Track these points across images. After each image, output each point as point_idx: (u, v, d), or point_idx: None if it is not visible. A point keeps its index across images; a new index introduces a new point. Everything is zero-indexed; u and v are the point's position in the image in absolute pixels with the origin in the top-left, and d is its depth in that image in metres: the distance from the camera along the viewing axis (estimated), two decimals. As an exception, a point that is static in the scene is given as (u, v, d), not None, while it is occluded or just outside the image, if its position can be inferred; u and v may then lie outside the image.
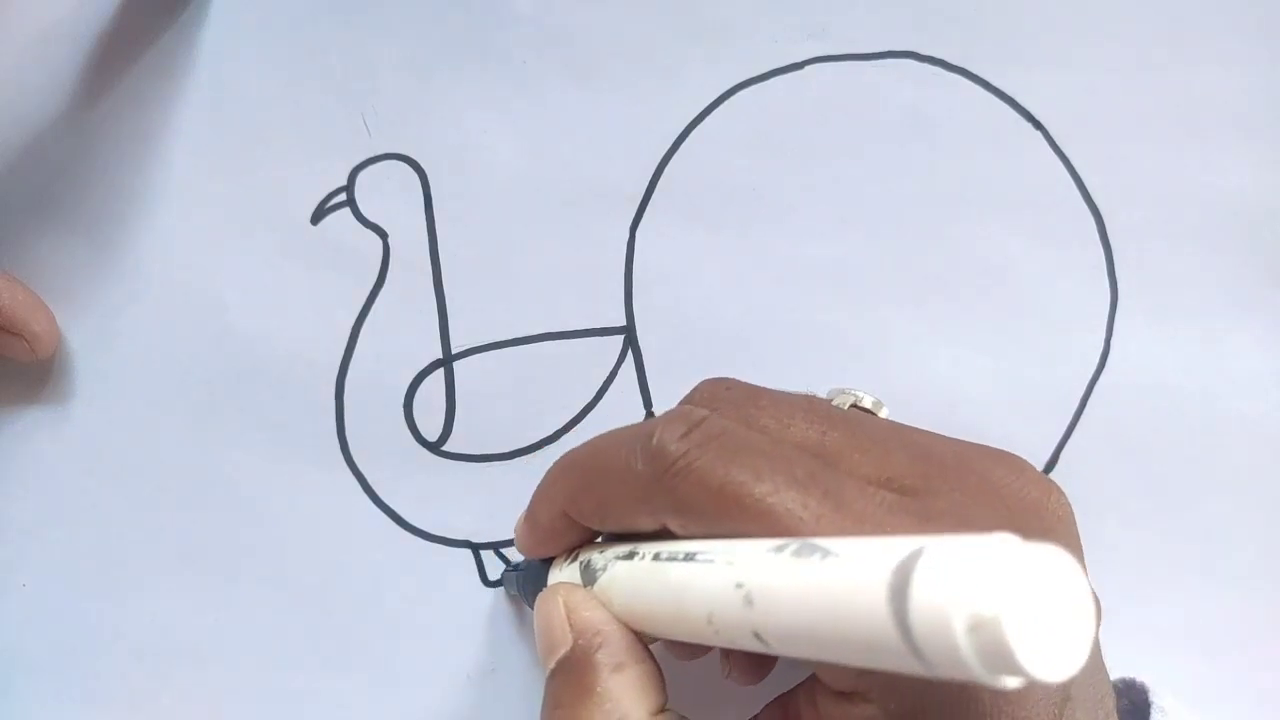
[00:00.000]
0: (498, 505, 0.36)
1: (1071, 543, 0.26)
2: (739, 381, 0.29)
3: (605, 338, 0.36)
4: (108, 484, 0.36)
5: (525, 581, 0.33)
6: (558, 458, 0.30)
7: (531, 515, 0.31)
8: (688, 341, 0.36)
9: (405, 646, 0.36)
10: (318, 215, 0.36)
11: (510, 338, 0.36)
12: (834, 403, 0.29)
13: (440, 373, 0.36)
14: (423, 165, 0.36)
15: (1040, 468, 0.35)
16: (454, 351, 0.36)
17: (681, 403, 0.29)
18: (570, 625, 0.27)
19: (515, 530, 0.32)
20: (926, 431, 0.28)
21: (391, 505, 0.36)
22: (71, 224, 0.36)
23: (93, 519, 0.36)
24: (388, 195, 0.36)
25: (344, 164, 0.36)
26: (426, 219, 0.36)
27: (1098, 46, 0.35)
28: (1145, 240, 0.35)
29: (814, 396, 0.29)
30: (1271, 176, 0.35)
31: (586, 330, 0.36)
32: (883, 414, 0.29)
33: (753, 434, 0.26)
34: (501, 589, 0.36)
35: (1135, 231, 0.35)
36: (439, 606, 0.36)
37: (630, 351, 0.36)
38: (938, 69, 0.35)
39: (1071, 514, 0.27)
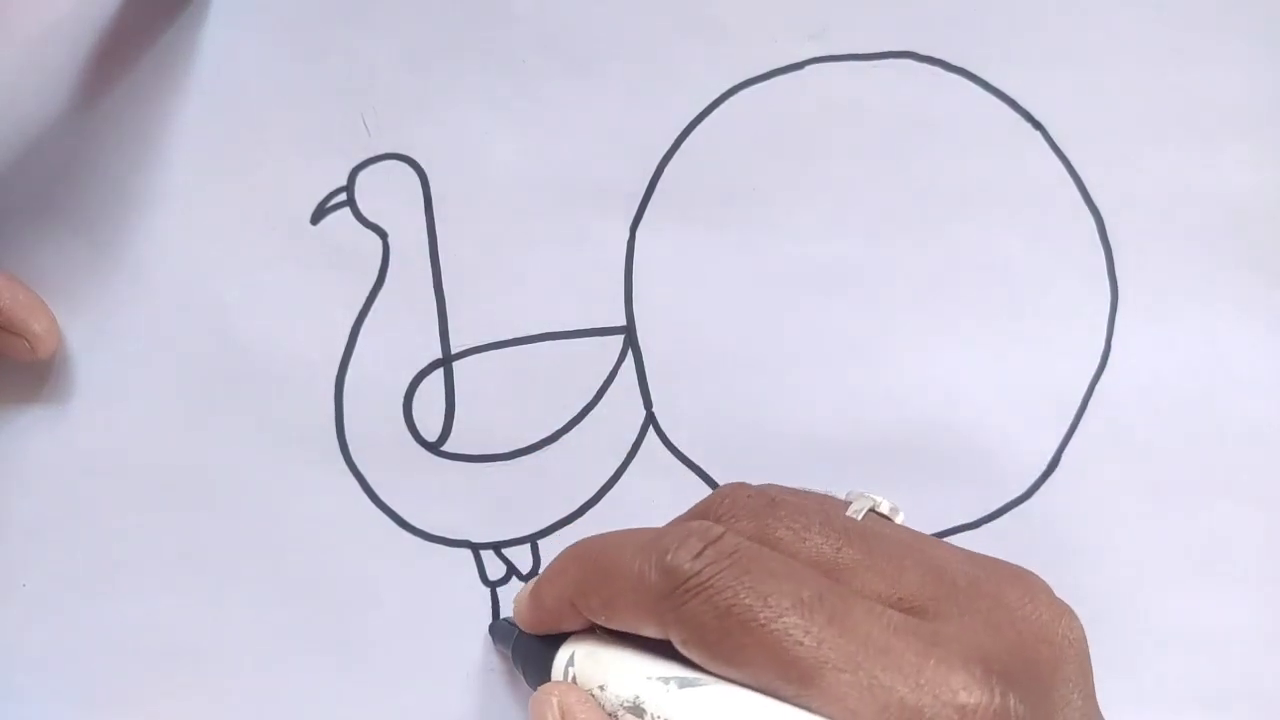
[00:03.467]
0: (498, 505, 0.36)
1: (1083, 668, 0.27)
2: (759, 490, 0.29)
3: (605, 338, 0.36)
4: (108, 484, 0.36)
5: (519, 651, 0.33)
6: (572, 543, 0.31)
7: (537, 595, 0.31)
8: (688, 341, 0.36)
9: (405, 646, 0.36)
10: (318, 215, 0.36)
11: (510, 338, 0.36)
12: (852, 506, 0.29)
13: (440, 373, 0.36)
14: (423, 165, 0.36)
15: (1041, 468, 0.35)
16: (453, 351, 0.36)
17: (700, 507, 0.30)
18: None
19: (515, 601, 0.33)
20: (943, 544, 0.29)
21: (391, 505, 0.36)
22: (71, 224, 0.36)
23: (93, 519, 0.36)
24: (388, 195, 0.36)
25: (344, 164, 0.36)
26: (426, 219, 0.36)
27: (1098, 46, 0.35)
28: (1145, 240, 0.35)
29: (832, 502, 0.30)
30: (1271, 176, 0.35)
31: (586, 330, 0.36)
32: (899, 519, 0.30)
33: (764, 553, 0.26)
34: (500, 587, 0.36)
35: (1135, 231, 0.35)
36: (439, 606, 0.36)
37: (630, 351, 0.36)
38: (938, 69, 0.35)
39: (1084, 640, 0.27)
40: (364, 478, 0.36)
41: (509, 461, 0.36)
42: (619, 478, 0.36)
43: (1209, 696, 0.35)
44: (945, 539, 0.35)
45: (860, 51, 0.36)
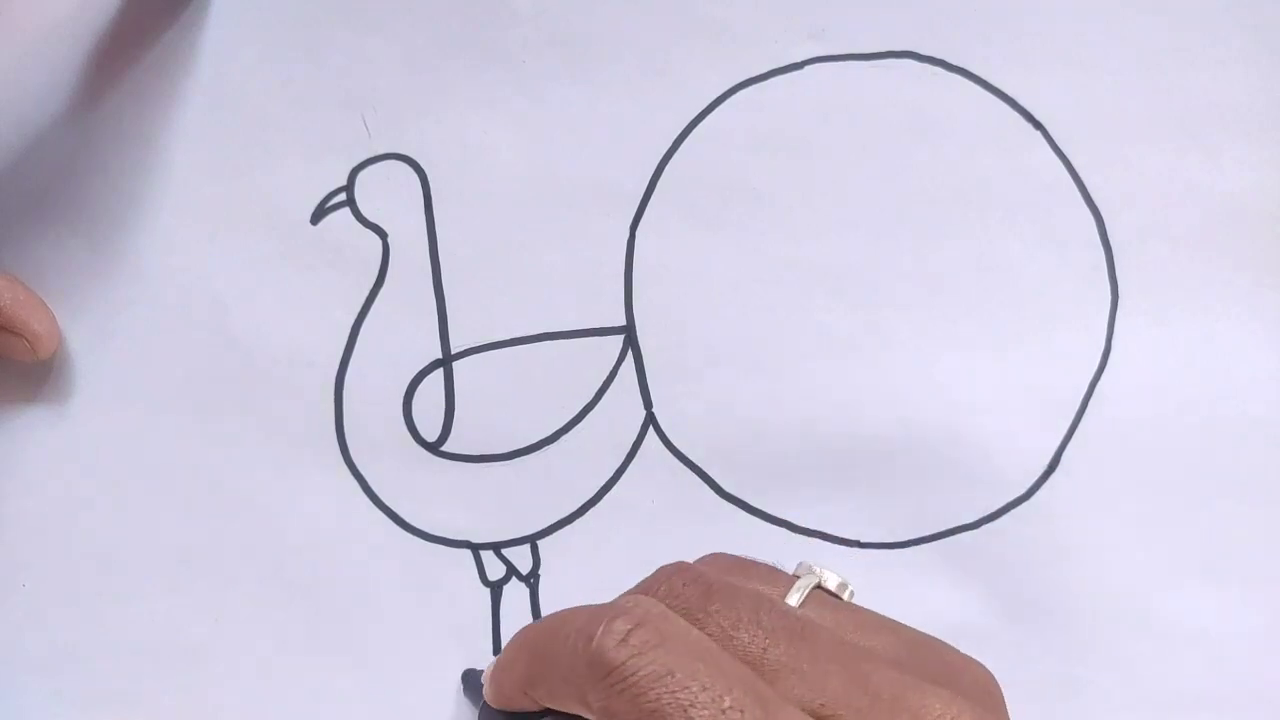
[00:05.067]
0: (497, 505, 0.36)
1: None
2: (696, 576, 0.29)
3: (605, 338, 0.36)
4: (108, 484, 0.36)
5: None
6: (524, 627, 0.31)
7: (495, 680, 0.31)
8: (688, 341, 0.36)
9: (405, 646, 0.36)
10: (318, 215, 0.36)
11: (510, 338, 0.36)
12: (799, 581, 0.29)
13: (440, 373, 0.36)
14: (423, 165, 0.36)
15: (1041, 468, 0.35)
16: (453, 351, 0.36)
17: (640, 587, 0.29)
18: None
19: (484, 677, 0.32)
20: (883, 636, 0.28)
21: (391, 505, 0.36)
22: (71, 224, 0.36)
23: (93, 519, 0.36)
24: (388, 195, 0.36)
25: (344, 164, 0.36)
26: (426, 219, 0.36)
27: (1098, 46, 0.35)
28: (1145, 240, 0.35)
29: (776, 576, 0.29)
30: (1271, 177, 0.35)
31: (586, 330, 0.36)
32: (846, 595, 0.30)
33: (691, 643, 0.26)
34: (500, 586, 0.36)
35: (1135, 231, 0.35)
36: (439, 606, 0.36)
37: (630, 351, 0.36)
38: (938, 69, 0.35)
39: None
40: (364, 478, 0.36)
41: (509, 461, 0.36)
42: (619, 478, 0.36)
43: (1209, 696, 0.35)
44: (949, 538, 0.35)
45: (860, 51, 0.36)
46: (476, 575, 0.36)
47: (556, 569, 0.36)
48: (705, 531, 0.35)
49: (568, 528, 0.36)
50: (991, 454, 0.35)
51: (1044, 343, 0.35)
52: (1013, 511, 0.35)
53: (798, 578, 0.29)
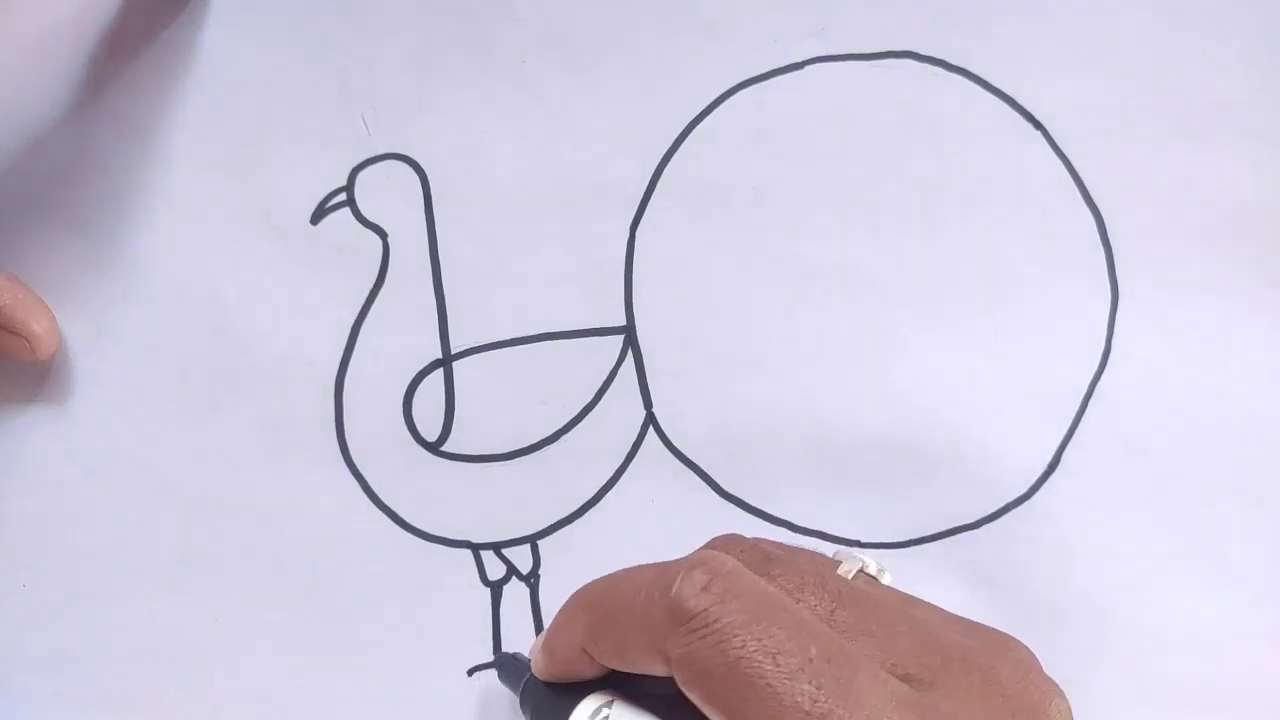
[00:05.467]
0: (497, 505, 0.36)
1: None
2: (753, 544, 0.29)
3: (605, 337, 0.36)
4: (108, 484, 0.36)
5: (529, 698, 0.32)
6: (580, 587, 0.30)
7: (549, 646, 0.30)
8: (688, 341, 0.36)
9: (405, 646, 0.36)
10: (318, 215, 0.36)
11: (510, 338, 0.36)
12: (841, 566, 0.29)
13: (440, 373, 0.36)
14: (423, 165, 0.36)
15: (1041, 468, 0.35)
16: (453, 351, 0.36)
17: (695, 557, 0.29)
18: None
19: (530, 652, 0.32)
20: (931, 608, 0.28)
21: (391, 505, 0.36)
22: (71, 224, 0.36)
23: (93, 519, 0.36)
24: (388, 195, 0.36)
25: (344, 164, 0.36)
26: (426, 219, 0.36)
27: (1098, 46, 0.35)
28: (1145, 240, 0.35)
29: (823, 561, 0.29)
30: (1271, 176, 0.35)
31: (586, 330, 0.36)
32: (886, 580, 0.30)
33: (771, 597, 0.26)
34: (500, 586, 0.36)
35: (1135, 231, 0.35)
36: (439, 606, 0.36)
37: (630, 351, 0.36)
38: (938, 69, 0.35)
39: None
40: (364, 478, 0.36)
41: (509, 461, 0.36)
42: (619, 478, 0.36)
43: (1209, 696, 0.35)
44: (949, 538, 0.35)
45: (860, 51, 0.36)
46: (476, 575, 0.36)
47: (556, 569, 0.36)
48: (705, 531, 0.35)
49: (568, 528, 0.36)
50: (991, 454, 0.35)
51: (1044, 342, 0.35)
52: (1013, 511, 0.35)
53: (839, 562, 0.29)
